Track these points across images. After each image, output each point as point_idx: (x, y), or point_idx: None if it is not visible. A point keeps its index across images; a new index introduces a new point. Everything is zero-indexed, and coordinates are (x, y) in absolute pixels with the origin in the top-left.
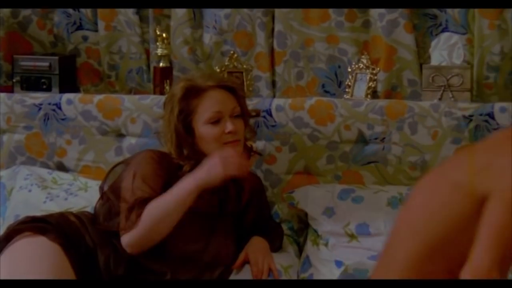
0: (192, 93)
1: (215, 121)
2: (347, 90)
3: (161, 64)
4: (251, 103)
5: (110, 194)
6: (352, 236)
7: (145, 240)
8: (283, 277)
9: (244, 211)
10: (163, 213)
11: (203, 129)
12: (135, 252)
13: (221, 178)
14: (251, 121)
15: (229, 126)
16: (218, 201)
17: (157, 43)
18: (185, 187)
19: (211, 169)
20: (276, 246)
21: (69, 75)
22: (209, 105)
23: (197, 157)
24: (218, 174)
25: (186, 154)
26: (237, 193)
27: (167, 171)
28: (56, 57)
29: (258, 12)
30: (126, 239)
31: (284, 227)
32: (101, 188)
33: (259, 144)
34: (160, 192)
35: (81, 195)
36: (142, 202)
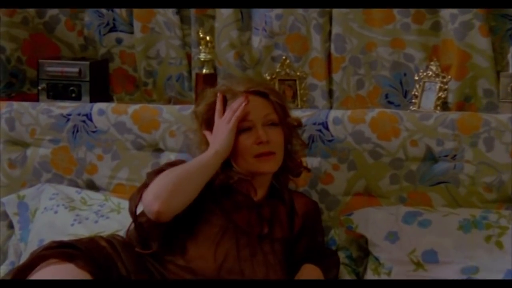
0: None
1: (246, 130)
2: (413, 101)
3: (204, 71)
4: (304, 115)
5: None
6: (418, 264)
7: (166, 194)
8: None
9: (297, 238)
10: (184, 171)
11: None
12: (160, 208)
13: (231, 131)
14: (304, 135)
15: (260, 136)
16: (258, 221)
17: (200, 47)
18: (205, 154)
19: (220, 137)
20: (331, 277)
21: (101, 82)
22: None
23: (226, 171)
24: (227, 132)
25: None
26: (290, 218)
27: None
28: (87, 62)
29: (313, 13)
30: (147, 195)
31: (341, 255)
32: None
33: (313, 161)
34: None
35: (113, 218)
36: (162, 171)
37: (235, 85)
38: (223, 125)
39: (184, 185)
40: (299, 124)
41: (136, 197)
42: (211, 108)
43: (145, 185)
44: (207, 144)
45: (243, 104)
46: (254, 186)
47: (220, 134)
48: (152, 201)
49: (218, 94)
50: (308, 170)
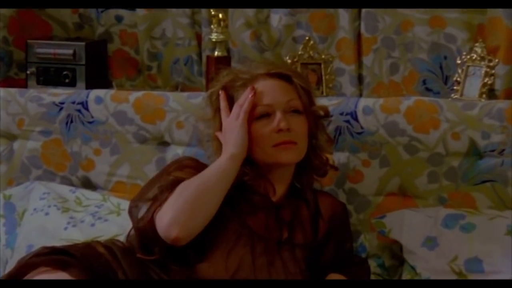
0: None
1: (264, 116)
2: (455, 87)
3: (216, 53)
4: (331, 104)
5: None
6: (460, 274)
7: (185, 216)
8: None
9: (322, 244)
10: (201, 185)
11: (248, 128)
12: (179, 235)
13: (242, 127)
14: (330, 127)
15: (280, 123)
16: (277, 225)
17: (212, 26)
18: (220, 160)
19: (232, 137)
20: None
21: (99, 66)
22: (255, 99)
23: (241, 166)
24: (238, 129)
25: None
26: (313, 221)
27: None
28: (82, 43)
29: None
30: (162, 218)
31: (372, 263)
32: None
33: (341, 157)
34: None
35: (112, 220)
36: (176, 182)
37: (254, 68)
38: (232, 123)
39: (203, 202)
40: (326, 114)
41: (140, 206)
42: (229, 88)
43: (157, 200)
44: (219, 144)
45: (250, 96)
46: (272, 182)
47: (231, 134)
48: (169, 227)
49: (220, 92)
50: (336, 168)
